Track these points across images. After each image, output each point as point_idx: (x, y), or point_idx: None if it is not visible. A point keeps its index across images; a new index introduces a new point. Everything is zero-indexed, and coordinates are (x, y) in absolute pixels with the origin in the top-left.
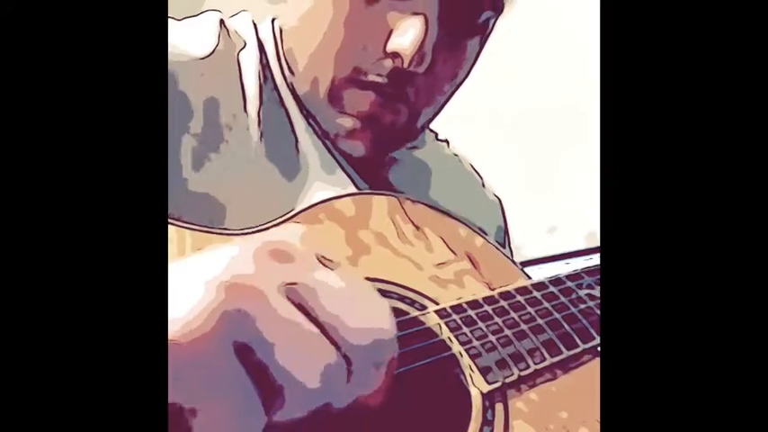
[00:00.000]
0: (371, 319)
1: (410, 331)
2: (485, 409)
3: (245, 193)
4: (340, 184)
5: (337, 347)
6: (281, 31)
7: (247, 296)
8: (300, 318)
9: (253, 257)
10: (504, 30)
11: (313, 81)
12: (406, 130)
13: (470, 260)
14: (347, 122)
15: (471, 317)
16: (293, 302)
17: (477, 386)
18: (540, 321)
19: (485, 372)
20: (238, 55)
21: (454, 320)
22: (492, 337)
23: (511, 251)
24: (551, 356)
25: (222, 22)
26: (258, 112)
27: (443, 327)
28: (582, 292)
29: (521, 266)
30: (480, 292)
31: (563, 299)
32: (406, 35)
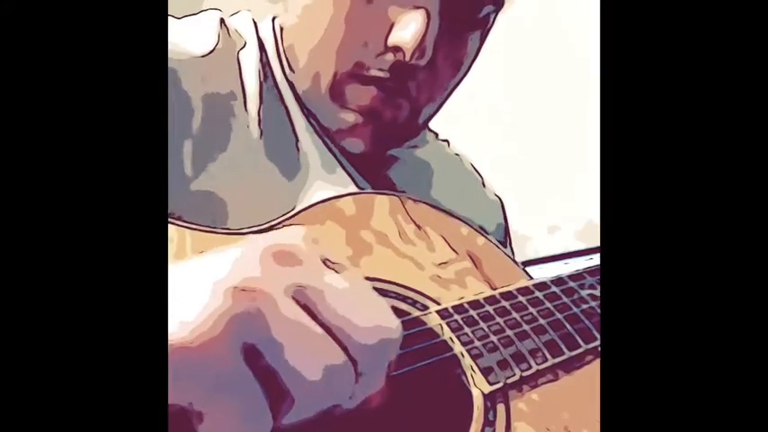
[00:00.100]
0: (377, 319)
1: (412, 332)
2: (486, 410)
3: (245, 192)
4: (341, 183)
5: (345, 349)
6: (281, 30)
7: (255, 300)
8: (308, 320)
9: (259, 260)
10: (504, 28)
11: (314, 77)
12: (407, 127)
13: (472, 259)
14: (349, 117)
15: (473, 317)
16: (300, 305)
17: (479, 387)
18: (541, 321)
19: (486, 372)
20: (238, 54)
21: (456, 321)
22: (493, 338)
23: (512, 250)
24: (553, 357)
25: (222, 20)
26: (258, 111)
27: (445, 327)
28: (584, 292)
29: (522, 266)
30: (482, 292)
31: (565, 299)
32: (408, 29)
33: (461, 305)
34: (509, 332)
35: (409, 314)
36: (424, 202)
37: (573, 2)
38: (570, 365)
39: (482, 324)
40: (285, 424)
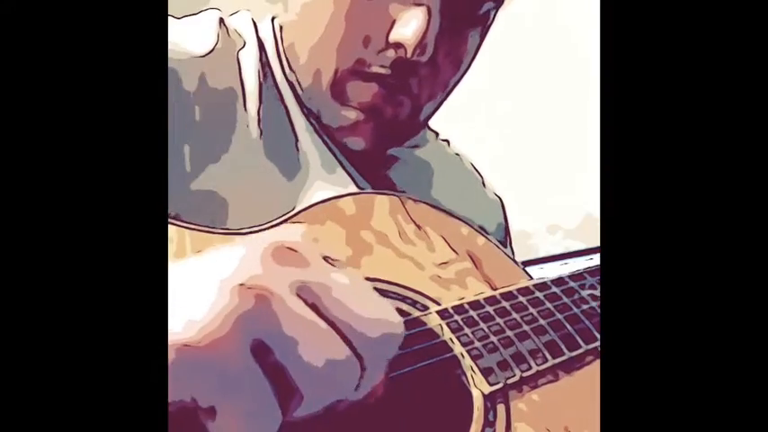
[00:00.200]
0: (380, 314)
1: (412, 332)
2: (486, 411)
3: (245, 192)
4: (341, 182)
5: (350, 345)
6: (280, 29)
7: (261, 297)
8: (313, 316)
9: (261, 258)
10: (504, 27)
11: (315, 74)
12: (409, 124)
13: (472, 259)
14: (350, 114)
15: (473, 317)
16: (306, 301)
17: (479, 387)
18: (542, 322)
19: (486, 373)
20: (238, 54)
21: (456, 321)
22: (494, 338)
23: (512, 250)
24: (553, 357)
25: (222, 20)
26: (258, 111)
27: (445, 328)
28: (584, 293)
29: (522, 266)
30: (482, 293)
31: (565, 299)
32: (409, 25)
33: (461, 305)
34: (509, 333)
35: (409, 314)
36: (425, 202)
37: (573, 0)
38: (570, 366)
39: (482, 324)
40: (294, 419)
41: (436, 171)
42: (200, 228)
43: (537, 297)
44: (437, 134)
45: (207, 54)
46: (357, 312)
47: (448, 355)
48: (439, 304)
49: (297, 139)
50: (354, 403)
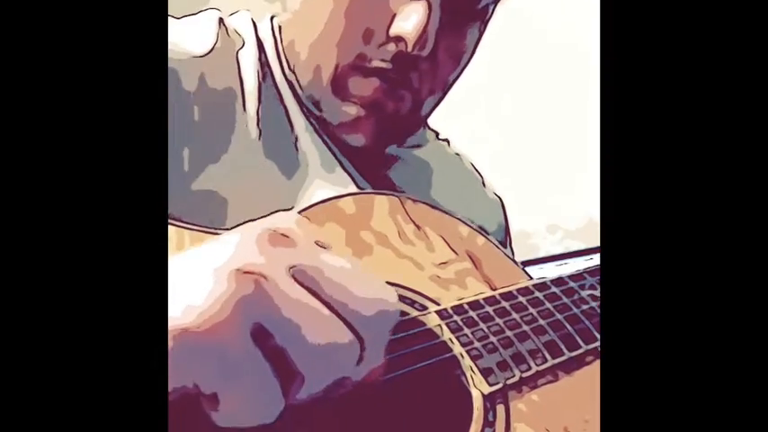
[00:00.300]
0: (375, 293)
1: (411, 332)
2: (486, 411)
3: (244, 191)
4: (340, 182)
5: (348, 325)
6: (279, 29)
7: (259, 282)
8: (310, 298)
9: (257, 244)
10: (504, 27)
11: (316, 71)
12: (409, 120)
13: (472, 260)
14: (351, 110)
15: (472, 318)
16: (302, 284)
17: (479, 387)
18: (541, 322)
19: (486, 373)
20: (237, 53)
21: (455, 321)
22: (493, 339)
23: (512, 250)
24: (553, 358)
25: (221, 20)
26: (257, 111)
27: (444, 328)
28: (584, 293)
29: (522, 266)
30: (482, 293)
31: (565, 299)
32: (410, 19)
33: (461, 306)
34: (509, 333)
35: (408, 314)
36: (424, 203)
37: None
38: (570, 366)
39: (482, 325)
40: (295, 402)
41: (436, 171)
42: (199, 228)
43: (536, 297)
44: (437, 134)
45: (206, 54)
46: (352, 292)
47: (447, 355)
48: (438, 304)
49: (296, 139)
50: (355, 395)
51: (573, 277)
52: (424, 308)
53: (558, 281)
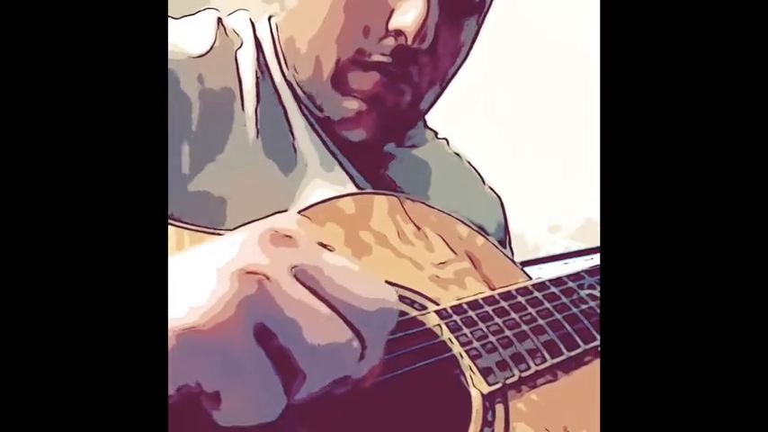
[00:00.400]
0: (375, 292)
1: (410, 332)
2: (485, 410)
3: (243, 191)
4: (339, 181)
5: (349, 324)
6: (277, 28)
7: (262, 282)
8: (311, 298)
9: (259, 244)
10: (504, 26)
11: (316, 66)
12: (409, 115)
13: (471, 260)
14: (352, 105)
15: (472, 317)
16: (303, 284)
17: (478, 387)
18: (540, 322)
19: (485, 373)
20: (236, 53)
21: (454, 321)
22: (492, 338)
23: (511, 250)
24: (552, 357)
25: (220, 20)
26: (255, 110)
27: (444, 327)
28: (583, 293)
29: (521, 266)
30: (481, 293)
31: (564, 299)
32: (409, 13)
33: (460, 305)
34: (508, 333)
35: (408, 314)
36: (423, 203)
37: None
38: (569, 366)
39: (481, 324)
40: (296, 401)
41: (435, 170)
42: (198, 229)
43: (536, 297)
44: (436, 133)
45: (205, 54)
46: (353, 291)
47: (446, 355)
48: (437, 304)
49: (294, 138)
50: (354, 395)
51: (572, 277)
52: (424, 308)
53: (557, 281)
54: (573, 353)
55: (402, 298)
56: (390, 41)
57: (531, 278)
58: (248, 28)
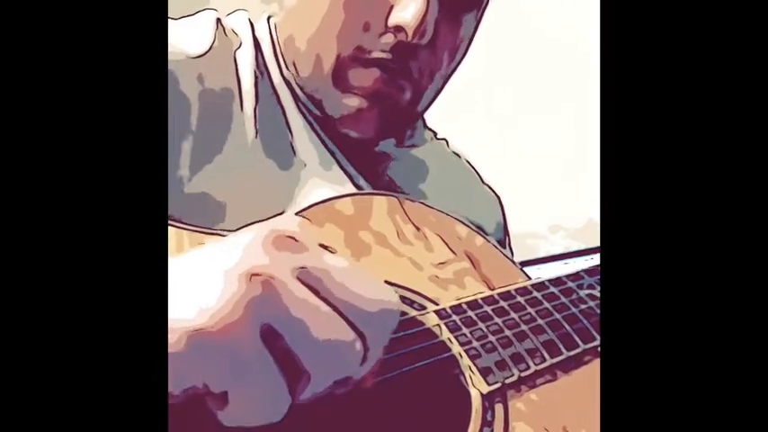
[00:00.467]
0: (376, 292)
1: (410, 332)
2: (484, 410)
3: (242, 191)
4: (337, 180)
5: (352, 325)
6: (275, 28)
7: (267, 284)
8: (315, 299)
9: (263, 247)
10: (503, 26)
11: (316, 64)
12: (409, 112)
13: (470, 260)
14: (353, 102)
15: (471, 317)
16: (307, 285)
17: (477, 387)
18: (540, 322)
19: (485, 372)
20: (235, 54)
21: (454, 321)
22: (492, 338)
23: (511, 250)
24: (551, 357)
25: (219, 20)
26: (254, 110)
27: (443, 327)
28: (582, 293)
29: (520, 266)
30: (480, 292)
31: (563, 299)
32: (408, 9)
33: (459, 305)
34: (507, 332)
35: (407, 314)
36: (422, 203)
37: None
38: (569, 366)
39: (480, 324)
40: (300, 401)
41: (434, 170)
42: (198, 229)
43: (535, 297)
44: (435, 133)
45: (203, 54)
46: (356, 292)
47: (446, 354)
48: (437, 304)
49: (293, 138)
50: (354, 394)
51: (571, 277)
52: (423, 308)
53: (557, 281)
54: (572, 353)
55: (402, 298)
56: (390, 38)
57: (530, 278)
58: (247, 28)
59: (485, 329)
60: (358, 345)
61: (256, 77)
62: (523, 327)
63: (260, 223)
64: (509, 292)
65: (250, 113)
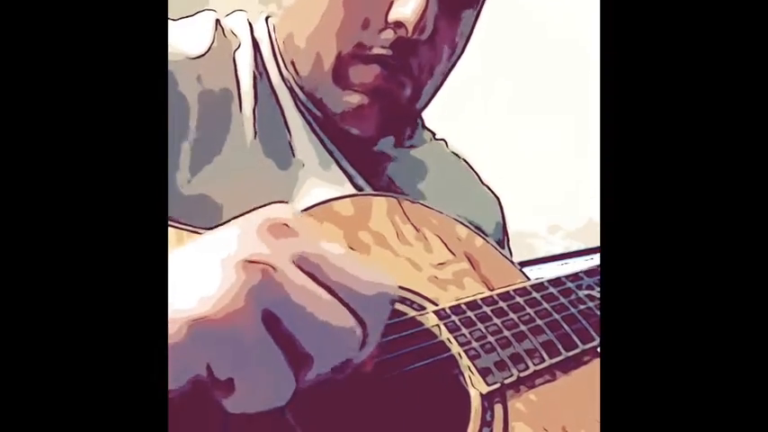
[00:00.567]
0: (372, 275)
1: (409, 332)
2: (484, 410)
3: (241, 191)
4: (336, 180)
5: (350, 309)
6: (274, 29)
7: (266, 271)
8: (313, 285)
9: (259, 235)
10: (503, 26)
11: (316, 62)
12: (408, 110)
13: (469, 260)
14: (353, 99)
15: (470, 318)
16: (305, 271)
17: (477, 387)
18: (539, 322)
19: (484, 373)
20: (234, 54)
21: (453, 321)
22: (491, 338)
23: (510, 250)
24: (551, 357)
25: (218, 21)
26: (253, 111)
27: (442, 328)
28: (581, 293)
29: (520, 267)
30: (479, 293)
31: (562, 299)
32: (408, 5)
33: (459, 306)
34: (506, 333)
35: (406, 315)
36: (422, 204)
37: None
38: (568, 366)
39: (479, 325)
40: (304, 385)
41: (434, 170)
42: (196, 229)
43: (534, 297)
44: (434, 134)
45: (203, 55)
46: (353, 276)
47: (445, 355)
48: (436, 305)
49: (292, 138)
50: (354, 394)
51: (570, 277)
52: (422, 308)
53: (556, 281)
54: (571, 353)
55: (401, 298)
56: (390, 34)
57: (529, 279)
58: (246, 29)
59: (484, 330)
60: (357, 329)
61: (255, 78)
62: (522, 327)
63: (251, 212)
64: (508, 292)
65: (249, 114)
